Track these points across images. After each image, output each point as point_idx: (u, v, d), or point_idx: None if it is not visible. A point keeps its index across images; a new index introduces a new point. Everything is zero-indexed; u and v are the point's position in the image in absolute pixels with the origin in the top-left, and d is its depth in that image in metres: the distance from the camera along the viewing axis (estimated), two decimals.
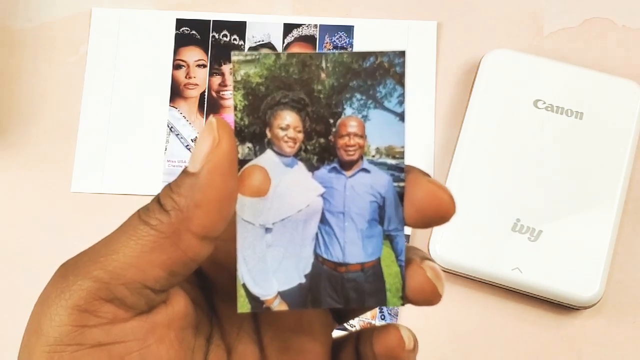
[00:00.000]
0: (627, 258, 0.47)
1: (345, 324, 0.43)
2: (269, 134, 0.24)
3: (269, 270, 0.24)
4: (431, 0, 0.53)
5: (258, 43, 0.52)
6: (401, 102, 0.24)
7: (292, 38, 0.53)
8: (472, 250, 0.46)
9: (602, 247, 0.46)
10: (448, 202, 0.24)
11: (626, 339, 0.47)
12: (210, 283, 0.27)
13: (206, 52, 0.52)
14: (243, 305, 0.24)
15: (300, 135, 0.24)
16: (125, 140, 0.50)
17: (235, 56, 0.23)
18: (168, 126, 0.51)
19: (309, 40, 0.52)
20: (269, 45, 0.53)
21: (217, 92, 0.51)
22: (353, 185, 0.24)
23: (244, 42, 0.52)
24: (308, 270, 0.25)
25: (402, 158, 0.24)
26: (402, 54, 0.24)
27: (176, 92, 0.51)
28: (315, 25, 0.53)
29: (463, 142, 0.48)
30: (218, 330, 0.26)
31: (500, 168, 0.48)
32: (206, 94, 0.51)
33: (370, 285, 0.25)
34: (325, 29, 0.53)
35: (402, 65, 0.24)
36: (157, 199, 0.23)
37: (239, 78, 0.23)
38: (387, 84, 0.24)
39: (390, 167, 0.24)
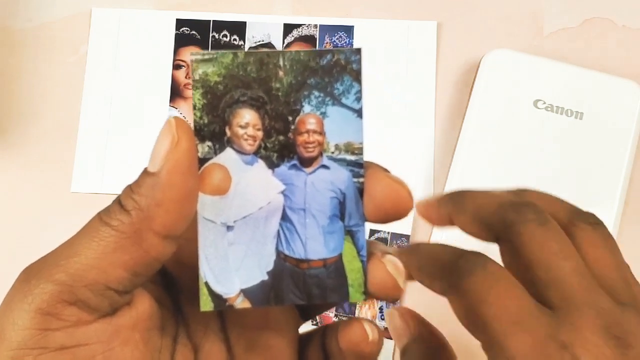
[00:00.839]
0: (627, 257, 0.46)
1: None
2: (228, 133, 0.24)
3: (231, 268, 0.24)
4: (431, 1, 0.53)
5: (258, 43, 0.53)
6: (359, 99, 0.24)
7: (292, 38, 0.53)
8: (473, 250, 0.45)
9: None
10: (406, 198, 0.24)
11: None
12: (175, 283, 0.27)
13: (205, 49, 0.52)
14: (206, 304, 0.24)
15: (260, 133, 0.24)
16: (126, 140, 0.51)
17: (193, 55, 0.24)
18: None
19: (309, 40, 0.53)
20: (269, 45, 0.53)
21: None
22: (313, 181, 0.24)
23: (244, 42, 0.53)
24: (270, 267, 0.25)
25: (361, 154, 0.24)
26: (358, 51, 0.24)
27: (176, 92, 0.51)
28: (315, 26, 0.53)
29: (463, 142, 0.48)
30: (184, 329, 0.27)
31: (500, 168, 0.47)
32: None
33: (333, 280, 0.25)
34: (326, 29, 0.53)
35: (359, 62, 0.24)
36: (118, 200, 0.23)
37: (197, 77, 0.24)
38: (345, 81, 0.24)
39: (349, 163, 0.24)
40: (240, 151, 0.24)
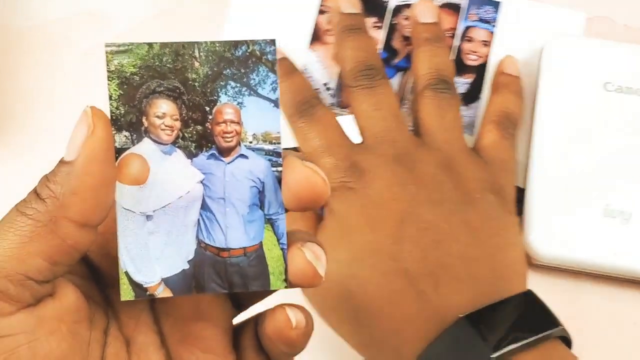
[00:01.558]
0: None
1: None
2: (145, 123, 0.24)
3: (152, 257, 0.25)
4: None
5: (404, 2, 0.51)
6: (275, 89, 0.24)
7: (439, 4, 0.51)
8: (568, 241, 0.45)
9: None
10: (321, 186, 0.24)
11: None
12: (102, 275, 0.27)
13: None
14: (126, 293, 0.25)
15: (178, 123, 0.24)
16: None
17: (107, 47, 0.24)
18: (303, 67, 0.50)
19: (453, 7, 0.51)
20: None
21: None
22: (232, 171, 0.25)
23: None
24: (191, 256, 0.25)
25: (279, 143, 0.25)
26: (272, 42, 0.24)
27: (317, 37, 0.51)
28: None
29: (538, 134, 0.47)
30: (115, 322, 0.27)
31: (580, 156, 0.46)
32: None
33: (254, 269, 0.25)
34: (474, 1, 0.51)
35: (274, 53, 0.24)
36: (35, 190, 0.23)
37: (112, 68, 0.24)
38: (260, 71, 0.24)
39: (267, 153, 0.25)
40: (158, 141, 0.24)
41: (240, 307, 0.29)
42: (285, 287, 0.25)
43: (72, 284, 0.25)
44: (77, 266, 0.25)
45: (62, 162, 0.23)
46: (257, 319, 0.27)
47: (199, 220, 0.25)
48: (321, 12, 0.52)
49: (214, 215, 0.25)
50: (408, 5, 0.51)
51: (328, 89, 0.50)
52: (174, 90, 0.24)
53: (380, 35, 0.51)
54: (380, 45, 0.51)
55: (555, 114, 0.48)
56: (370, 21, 0.51)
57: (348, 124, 0.42)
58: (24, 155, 0.50)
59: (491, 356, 0.32)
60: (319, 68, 0.51)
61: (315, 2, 0.52)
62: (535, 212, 0.45)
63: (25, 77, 0.51)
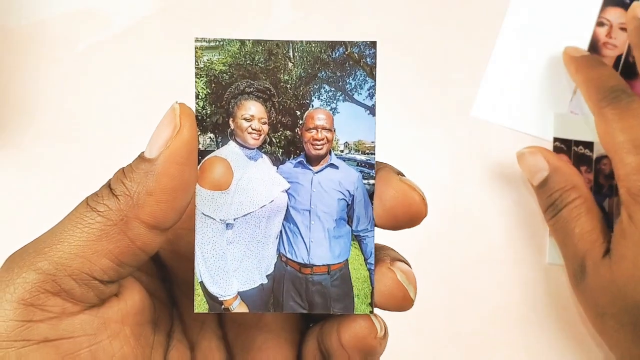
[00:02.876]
0: None
1: None
2: (232, 125, 0.23)
3: (229, 268, 0.23)
4: None
5: None
6: (372, 95, 0.23)
7: None
8: None
9: None
10: (419, 204, 0.22)
11: None
12: (170, 275, 0.26)
13: None
14: (200, 305, 0.23)
15: (266, 127, 0.23)
16: (532, 80, 0.50)
17: (197, 42, 0.22)
18: None
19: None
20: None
21: (634, 58, 0.51)
22: (320, 181, 0.23)
23: None
24: (271, 270, 0.23)
25: (373, 154, 0.23)
26: (373, 44, 0.22)
27: (593, 48, 0.51)
28: None
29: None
30: (179, 325, 0.25)
31: None
32: (623, 57, 0.51)
33: (337, 289, 0.23)
34: None
35: (373, 56, 0.22)
36: (108, 184, 0.22)
37: (201, 65, 0.22)
38: (357, 75, 0.22)
39: (359, 163, 0.23)
40: (244, 145, 0.23)
41: (309, 320, 0.27)
42: (371, 312, 0.23)
43: (137, 283, 0.24)
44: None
45: (142, 158, 0.22)
46: (322, 327, 0.25)
47: (281, 232, 0.23)
48: (599, 24, 0.51)
49: (298, 228, 0.23)
50: None
51: None
52: (264, 92, 0.22)
53: None
54: None
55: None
56: None
57: None
58: (23, 155, 0.50)
59: None
60: None
61: (594, 13, 0.51)
62: None
63: (24, 76, 0.51)
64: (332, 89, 0.23)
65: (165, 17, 0.52)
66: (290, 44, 0.22)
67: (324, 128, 0.23)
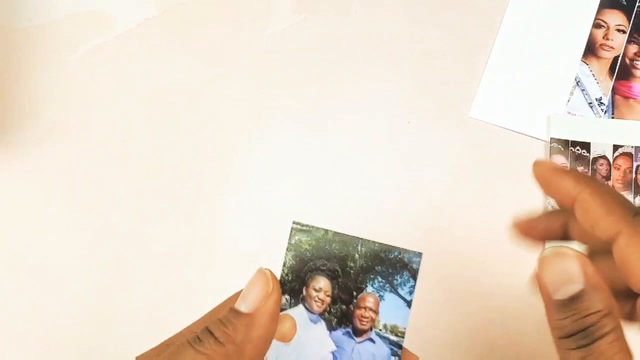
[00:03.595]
0: None
1: None
2: (304, 292, 0.30)
3: None
4: None
5: None
6: (411, 292, 0.29)
7: None
8: None
9: None
10: None
11: None
12: None
13: (629, 18, 0.52)
14: None
15: (328, 299, 0.30)
16: (532, 82, 0.51)
17: (294, 224, 0.30)
18: (576, 79, 0.51)
19: None
20: None
21: (631, 60, 0.51)
22: (359, 350, 0.29)
23: None
24: None
25: (403, 337, 0.29)
26: (419, 254, 0.29)
27: (590, 50, 0.52)
28: None
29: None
30: None
31: None
32: (620, 58, 0.51)
33: None
34: None
35: (418, 263, 0.29)
36: (209, 331, 0.27)
37: (292, 242, 0.30)
38: (404, 275, 0.29)
39: (391, 343, 0.29)
40: (310, 310, 0.30)
41: None
42: None
43: None
44: None
45: (237, 312, 0.27)
46: None
47: None
48: (596, 25, 0.51)
49: None
50: None
51: (601, 103, 0.50)
52: (333, 272, 0.30)
53: None
54: None
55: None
56: None
57: None
58: (25, 155, 0.50)
59: None
60: (592, 82, 0.50)
61: (591, 15, 0.52)
62: None
63: (25, 77, 0.51)
64: (383, 281, 0.30)
65: (167, 19, 0.52)
66: (360, 241, 0.30)
67: (371, 309, 0.29)
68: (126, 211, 0.49)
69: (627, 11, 0.51)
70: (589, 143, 0.48)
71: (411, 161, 0.49)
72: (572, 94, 0.50)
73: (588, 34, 0.51)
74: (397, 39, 0.51)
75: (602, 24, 0.51)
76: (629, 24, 0.51)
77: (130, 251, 0.49)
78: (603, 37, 0.51)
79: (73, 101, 0.51)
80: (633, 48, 0.51)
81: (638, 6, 0.51)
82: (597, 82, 0.51)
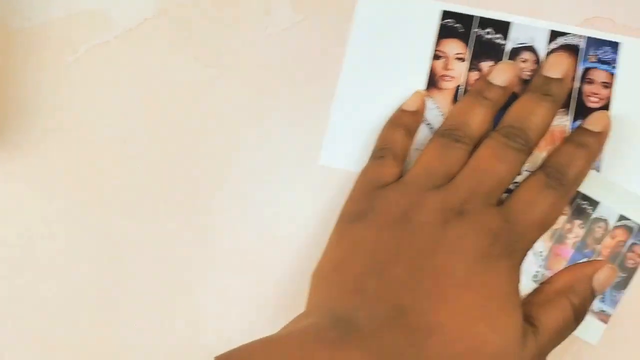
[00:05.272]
0: None
1: None
2: None
3: None
4: None
5: (521, 45, 0.52)
6: None
7: (556, 45, 0.51)
8: None
9: None
10: None
11: None
12: None
13: (467, 46, 0.51)
14: None
15: None
16: (376, 122, 0.51)
17: None
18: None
19: (573, 50, 0.51)
20: (531, 49, 0.52)
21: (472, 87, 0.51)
22: None
23: (507, 42, 0.52)
24: None
25: None
26: None
27: (432, 82, 0.51)
28: (581, 37, 0.51)
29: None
30: None
31: None
32: (462, 87, 0.51)
33: None
34: (592, 42, 0.51)
35: None
36: None
37: None
38: None
39: None
40: None
41: None
42: None
43: None
44: None
45: None
46: None
47: None
48: (436, 57, 0.50)
49: None
50: (527, 48, 0.50)
51: None
52: None
53: None
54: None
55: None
56: (487, 65, 0.50)
57: None
58: (24, 156, 0.49)
59: None
60: (437, 114, 0.49)
61: (429, 47, 0.51)
62: None
63: (25, 77, 0.50)
64: None
65: (167, 18, 0.52)
66: None
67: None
68: (126, 211, 0.49)
69: (464, 39, 0.51)
70: None
71: None
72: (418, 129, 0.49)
73: (429, 66, 0.50)
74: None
75: (442, 54, 0.50)
76: (468, 52, 0.49)
77: (130, 251, 0.48)
78: (443, 68, 0.50)
79: (73, 101, 0.50)
80: (474, 75, 0.48)
81: (474, 32, 0.49)
82: (442, 114, 0.48)
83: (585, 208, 0.47)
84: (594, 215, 0.47)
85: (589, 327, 0.46)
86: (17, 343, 0.48)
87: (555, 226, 0.47)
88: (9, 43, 0.51)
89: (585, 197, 0.48)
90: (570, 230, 0.47)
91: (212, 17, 0.53)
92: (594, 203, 0.47)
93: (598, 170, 0.49)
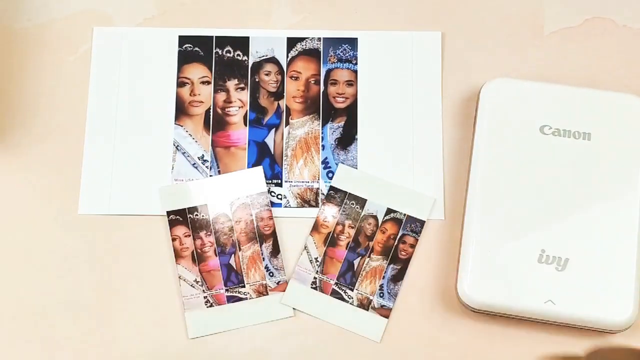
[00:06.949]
0: None
1: None
2: None
3: None
4: (435, 10, 0.52)
5: (262, 58, 0.52)
6: None
7: (296, 52, 0.52)
8: (501, 287, 0.44)
9: (629, 268, 0.44)
10: None
11: None
12: None
13: (210, 68, 0.51)
14: None
15: None
16: (132, 161, 0.50)
17: None
18: (174, 144, 0.50)
19: (313, 53, 0.52)
20: (273, 60, 0.52)
21: (222, 108, 0.51)
22: None
23: (248, 57, 0.52)
24: None
25: None
26: None
27: (181, 110, 0.51)
28: (319, 39, 0.52)
29: (475, 178, 0.47)
30: None
31: (516, 200, 0.46)
32: (211, 110, 0.51)
33: None
34: (329, 42, 0.52)
35: None
36: None
37: None
38: None
39: None
40: None
41: None
42: None
43: None
44: None
45: None
46: None
47: None
48: (180, 84, 0.51)
49: None
50: (268, 60, 0.52)
51: (204, 161, 0.50)
52: None
53: (245, 96, 0.51)
54: (246, 107, 0.51)
55: (491, 157, 0.47)
56: (232, 84, 0.51)
57: None
58: (25, 155, 0.50)
59: None
60: (191, 142, 0.50)
61: (173, 75, 0.51)
62: (469, 258, 0.45)
63: (25, 76, 0.51)
64: None
65: (167, 18, 0.52)
66: None
67: None
68: None
69: (206, 62, 0.52)
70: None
71: None
72: (174, 160, 0.50)
73: (175, 95, 0.51)
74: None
75: (186, 81, 0.51)
76: (212, 73, 0.51)
77: (131, 250, 0.49)
78: (190, 94, 0.51)
79: (73, 100, 0.51)
80: (221, 96, 0.50)
81: (215, 52, 0.51)
82: (196, 141, 0.50)
83: (353, 207, 0.49)
84: (363, 213, 0.48)
85: (371, 325, 0.47)
86: (16, 342, 0.47)
87: (326, 230, 0.48)
88: (10, 43, 0.52)
89: (352, 197, 0.49)
90: (342, 232, 0.48)
91: (212, 17, 0.53)
92: (361, 201, 0.49)
93: (356, 168, 0.50)
